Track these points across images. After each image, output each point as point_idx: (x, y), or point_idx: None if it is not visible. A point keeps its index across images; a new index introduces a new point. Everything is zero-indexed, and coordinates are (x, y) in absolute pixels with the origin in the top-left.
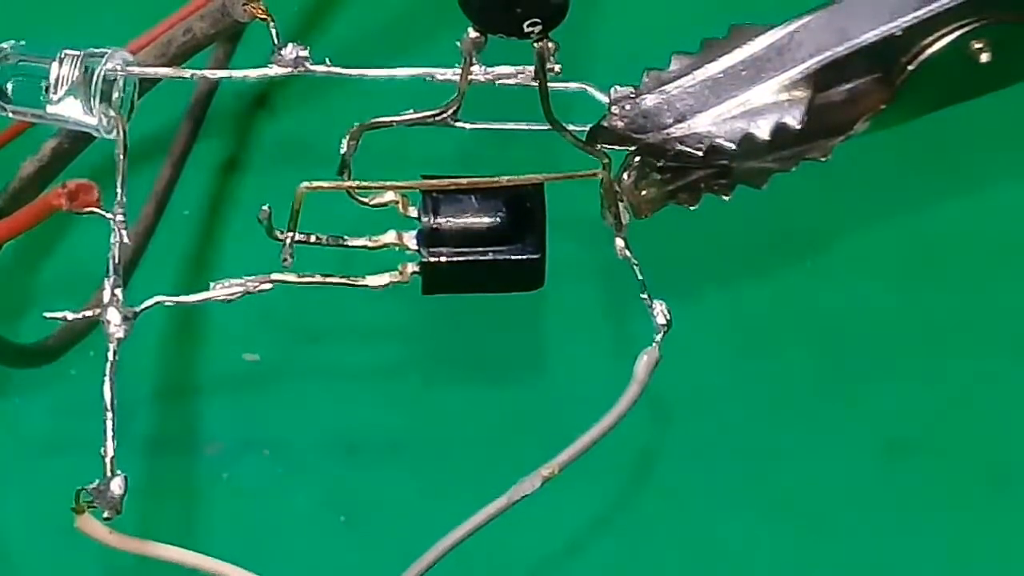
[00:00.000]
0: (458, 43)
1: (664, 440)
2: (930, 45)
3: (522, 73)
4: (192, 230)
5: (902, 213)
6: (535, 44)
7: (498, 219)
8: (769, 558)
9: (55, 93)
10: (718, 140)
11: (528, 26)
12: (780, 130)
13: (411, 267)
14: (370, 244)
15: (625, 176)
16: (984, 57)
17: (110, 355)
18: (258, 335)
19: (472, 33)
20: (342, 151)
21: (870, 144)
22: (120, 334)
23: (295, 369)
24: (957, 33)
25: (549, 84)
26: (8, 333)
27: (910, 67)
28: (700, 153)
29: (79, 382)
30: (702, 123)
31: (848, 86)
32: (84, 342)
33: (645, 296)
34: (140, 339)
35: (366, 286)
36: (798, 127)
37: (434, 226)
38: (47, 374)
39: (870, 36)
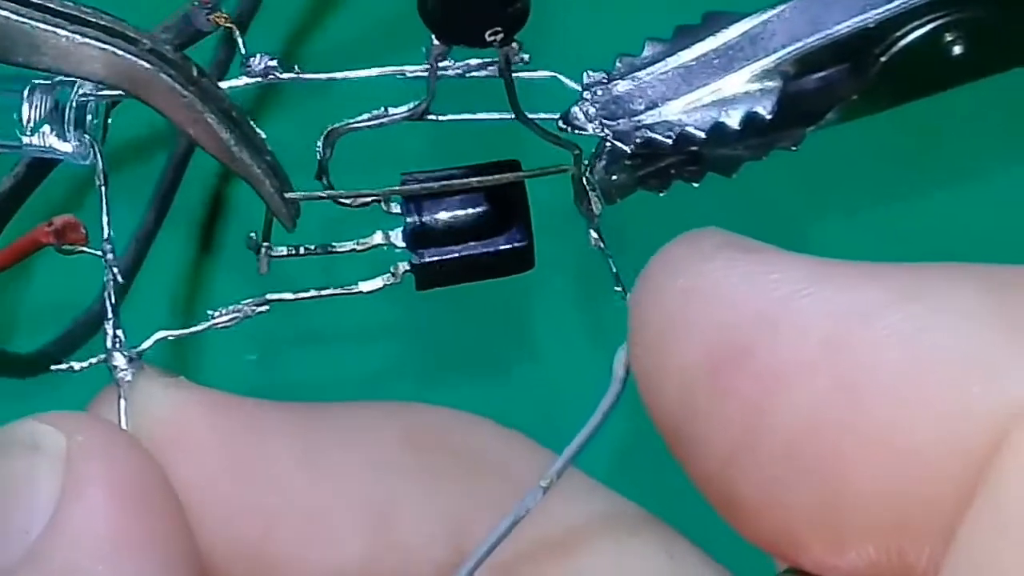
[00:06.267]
0: (424, 49)
1: (652, 441)
2: (903, 37)
3: (491, 65)
4: (191, 236)
5: (885, 203)
6: (499, 48)
7: (481, 211)
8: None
9: (29, 123)
10: (688, 128)
11: (490, 35)
12: (751, 119)
13: (402, 266)
14: (358, 248)
15: (596, 162)
16: (957, 49)
17: (121, 403)
18: (256, 334)
19: (435, 41)
20: (318, 156)
21: (850, 134)
22: (128, 377)
23: (291, 367)
24: (930, 26)
25: (518, 73)
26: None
27: (883, 58)
28: (670, 141)
29: (81, 385)
30: (673, 111)
31: (820, 75)
32: (85, 346)
33: (619, 288)
34: (140, 339)
35: (361, 292)
36: (769, 117)
37: (419, 225)
38: (49, 379)
39: (843, 27)
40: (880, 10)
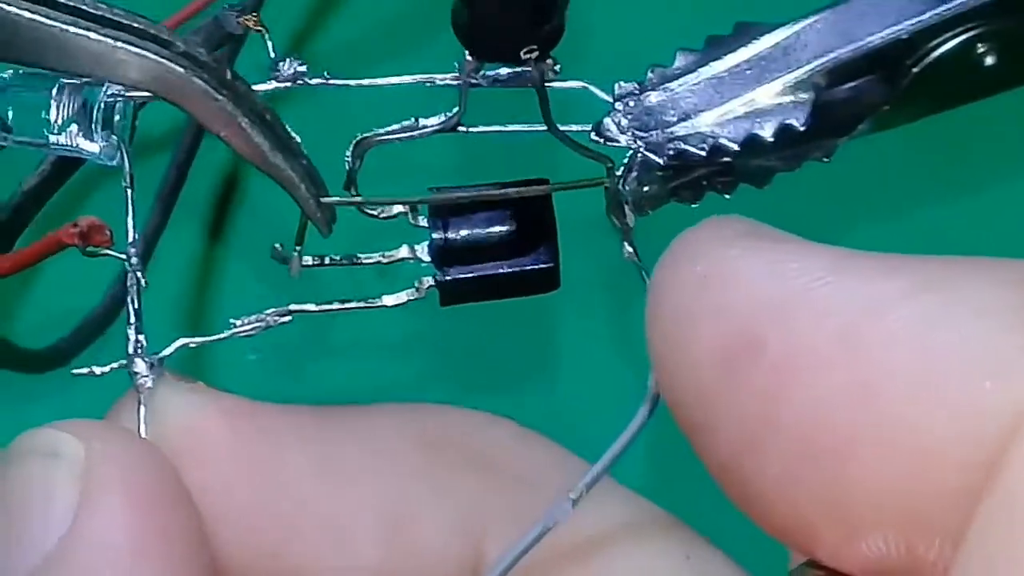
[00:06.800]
0: (456, 64)
1: (675, 442)
2: (935, 48)
3: (521, 77)
4: (199, 230)
5: (911, 211)
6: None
7: (509, 229)
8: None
9: (56, 122)
10: (721, 140)
11: (525, 53)
12: (784, 131)
13: (427, 281)
14: (383, 260)
15: (628, 174)
16: (989, 60)
17: (141, 410)
18: (260, 334)
19: (469, 57)
20: (347, 167)
21: (879, 143)
22: (149, 384)
23: (297, 366)
24: (963, 36)
25: (549, 84)
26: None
27: (915, 69)
28: (703, 153)
29: (92, 385)
30: (705, 122)
31: (852, 86)
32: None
33: None
34: (149, 333)
35: (384, 306)
36: (802, 128)
37: (446, 241)
38: (57, 376)
39: (875, 38)
40: (912, 21)
